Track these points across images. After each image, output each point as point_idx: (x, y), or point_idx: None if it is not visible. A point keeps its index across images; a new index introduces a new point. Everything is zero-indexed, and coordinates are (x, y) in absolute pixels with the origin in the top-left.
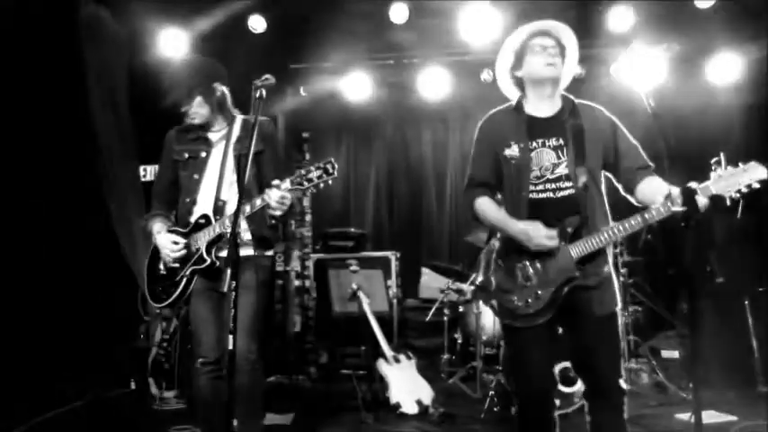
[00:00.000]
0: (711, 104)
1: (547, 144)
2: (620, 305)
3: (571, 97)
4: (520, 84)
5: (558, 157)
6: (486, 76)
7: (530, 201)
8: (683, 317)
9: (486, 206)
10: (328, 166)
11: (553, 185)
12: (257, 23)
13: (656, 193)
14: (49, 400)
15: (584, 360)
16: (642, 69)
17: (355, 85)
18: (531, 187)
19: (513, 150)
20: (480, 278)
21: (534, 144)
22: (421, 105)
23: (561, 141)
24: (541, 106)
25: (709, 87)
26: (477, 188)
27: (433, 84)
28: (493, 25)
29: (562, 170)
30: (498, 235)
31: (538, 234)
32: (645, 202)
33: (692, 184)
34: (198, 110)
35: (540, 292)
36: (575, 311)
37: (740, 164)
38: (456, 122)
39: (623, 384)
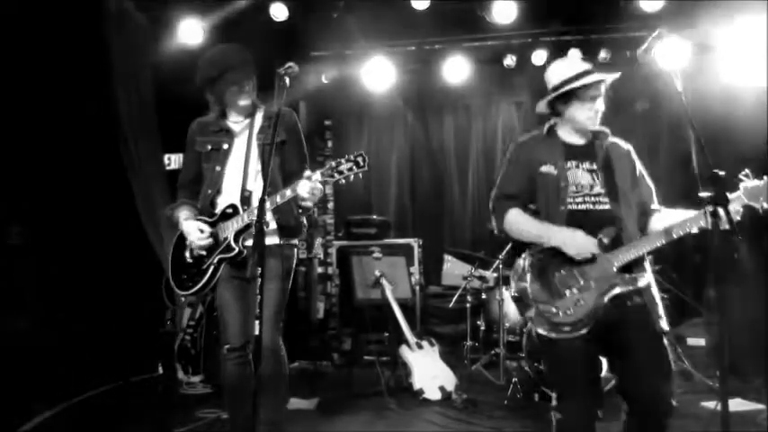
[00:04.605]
0: (741, 90)
1: (581, 166)
2: (666, 326)
3: (601, 129)
4: (555, 111)
5: (593, 180)
6: (509, 61)
7: (569, 212)
8: (709, 304)
9: (519, 217)
10: (359, 159)
11: (592, 199)
12: (279, 11)
13: (678, 214)
14: (81, 383)
15: (632, 380)
16: (670, 53)
17: (377, 72)
18: (570, 200)
19: (549, 168)
20: (513, 290)
21: (570, 164)
22: (443, 92)
23: (595, 166)
24: (574, 135)
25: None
26: (508, 200)
27: (456, 70)
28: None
29: (599, 189)
30: (527, 250)
31: (581, 241)
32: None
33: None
34: (251, 93)
35: (581, 300)
36: (622, 327)
37: (765, 176)
38: (478, 108)
39: (673, 404)
